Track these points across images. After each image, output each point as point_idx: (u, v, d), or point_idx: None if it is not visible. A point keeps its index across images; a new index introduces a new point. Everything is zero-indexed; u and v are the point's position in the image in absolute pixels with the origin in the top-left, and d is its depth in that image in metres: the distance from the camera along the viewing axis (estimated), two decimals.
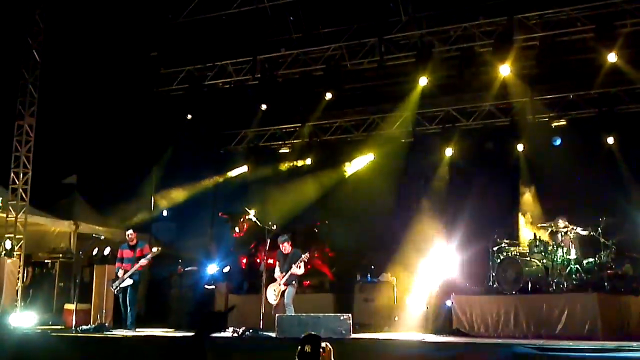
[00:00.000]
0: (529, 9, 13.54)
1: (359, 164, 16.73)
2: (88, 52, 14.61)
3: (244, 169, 17.52)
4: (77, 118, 15.01)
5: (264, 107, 15.64)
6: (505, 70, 13.46)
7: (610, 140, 14.33)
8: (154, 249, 12.50)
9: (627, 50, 13.20)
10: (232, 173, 17.50)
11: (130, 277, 12.14)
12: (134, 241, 12.44)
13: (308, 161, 16.99)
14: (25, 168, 14.12)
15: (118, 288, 12.24)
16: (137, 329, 12.07)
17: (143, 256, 12.19)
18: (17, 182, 14.02)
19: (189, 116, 16.00)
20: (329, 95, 14.83)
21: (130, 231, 12.58)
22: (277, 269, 11.57)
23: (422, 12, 14.46)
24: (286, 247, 11.58)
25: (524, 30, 13.60)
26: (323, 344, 5.95)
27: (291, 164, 17.11)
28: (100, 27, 14.40)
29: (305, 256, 11.35)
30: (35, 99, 14.33)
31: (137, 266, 12.16)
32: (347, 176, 16.78)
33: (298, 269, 11.30)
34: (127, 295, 12.18)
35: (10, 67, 14.44)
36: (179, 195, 16.96)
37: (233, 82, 15.71)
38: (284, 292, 11.27)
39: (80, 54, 14.58)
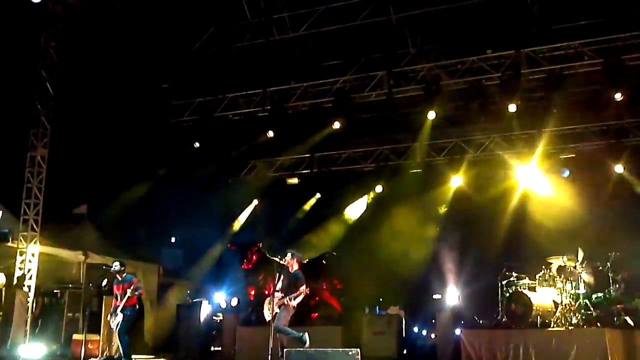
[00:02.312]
0: (537, 43, 13.70)
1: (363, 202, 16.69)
2: (100, 83, 14.75)
3: (254, 203, 17.44)
4: (88, 148, 15.10)
5: (270, 134, 15.74)
6: (512, 107, 13.56)
7: (619, 171, 14.32)
8: (133, 280, 11.77)
9: (635, 82, 13.32)
10: (244, 214, 17.39)
11: (121, 311, 11.51)
12: (120, 276, 11.77)
13: (317, 194, 16.96)
14: (37, 199, 14.15)
15: (114, 323, 11.75)
16: None
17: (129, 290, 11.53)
18: (29, 213, 14.05)
19: (197, 144, 16.13)
20: (337, 125, 14.92)
21: (117, 264, 11.89)
22: (278, 284, 10.85)
23: (430, 45, 14.66)
24: (293, 266, 10.92)
25: (531, 64, 13.73)
26: None
27: (300, 196, 17.10)
28: (112, 59, 14.60)
29: (305, 290, 10.54)
30: (48, 130, 14.42)
31: (123, 302, 11.52)
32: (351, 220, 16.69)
33: (293, 301, 10.50)
34: (118, 328, 11.59)
35: (23, 99, 14.58)
36: None
37: (243, 114, 15.89)
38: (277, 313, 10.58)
39: (93, 85, 14.72)
